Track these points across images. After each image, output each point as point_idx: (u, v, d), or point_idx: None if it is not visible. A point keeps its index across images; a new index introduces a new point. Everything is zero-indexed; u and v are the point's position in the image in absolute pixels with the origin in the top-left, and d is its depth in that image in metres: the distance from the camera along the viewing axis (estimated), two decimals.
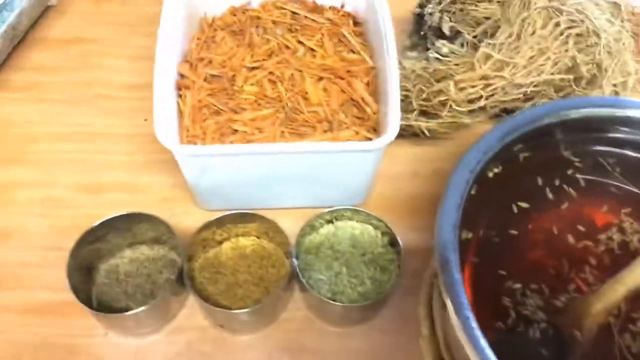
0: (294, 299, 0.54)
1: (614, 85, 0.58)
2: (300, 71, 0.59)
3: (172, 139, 0.53)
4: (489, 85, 0.56)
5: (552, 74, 0.56)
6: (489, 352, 0.37)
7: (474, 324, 0.38)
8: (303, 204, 0.58)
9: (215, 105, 0.58)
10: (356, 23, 0.67)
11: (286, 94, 0.58)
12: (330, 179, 0.55)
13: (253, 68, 0.60)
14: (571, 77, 0.57)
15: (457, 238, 0.42)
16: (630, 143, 0.53)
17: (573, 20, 0.58)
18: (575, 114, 0.51)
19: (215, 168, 0.53)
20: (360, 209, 0.55)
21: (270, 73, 0.59)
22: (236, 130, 0.56)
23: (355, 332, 0.53)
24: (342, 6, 0.69)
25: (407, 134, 0.62)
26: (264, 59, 0.60)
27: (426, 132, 0.59)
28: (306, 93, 0.58)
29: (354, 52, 0.63)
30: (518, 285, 0.45)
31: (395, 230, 0.54)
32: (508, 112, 0.61)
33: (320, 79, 0.59)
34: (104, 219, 0.52)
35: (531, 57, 0.56)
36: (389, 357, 0.52)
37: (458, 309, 0.39)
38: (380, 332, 0.53)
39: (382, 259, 0.53)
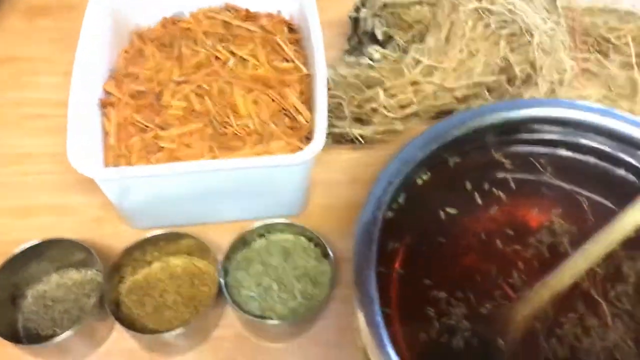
0: (226, 316, 0.53)
1: (551, 82, 0.57)
2: (230, 83, 0.58)
3: (94, 161, 0.51)
4: (420, 90, 0.55)
5: (484, 75, 0.55)
6: None
7: (387, 343, 0.37)
8: (237, 218, 0.57)
9: (141, 122, 0.56)
10: (292, 29, 0.66)
11: (214, 108, 0.56)
12: (260, 192, 0.54)
13: (180, 82, 0.58)
14: (504, 77, 0.56)
15: (374, 250, 0.41)
16: (562, 142, 0.53)
17: (504, 21, 0.57)
18: (504, 116, 0.51)
19: (138, 188, 0.51)
20: (293, 221, 0.54)
21: (198, 87, 0.58)
22: (162, 147, 0.54)
23: (290, 347, 0.52)
24: (278, 12, 0.67)
25: (344, 140, 0.61)
26: (192, 72, 0.59)
27: (360, 139, 0.58)
28: (235, 105, 0.56)
29: (287, 60, 0.62)
30: (443, 295, 0.44)
31: (334, 239, 0.53)
32: (444, 115, 0.60)
33: (251, 90, 0.58)
34: (22, 248, 0.50)
35: (461, 60, 0.55)
36: None
37: (370, 324, 0.37)
38: (317, 344, 0.52)
39: (315, 271, 0.52)
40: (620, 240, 0.43)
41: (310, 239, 0.54)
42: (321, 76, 0.53)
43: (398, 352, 0.40)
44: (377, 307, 0.38)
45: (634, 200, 0.43)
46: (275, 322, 0.48)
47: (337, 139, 0.60)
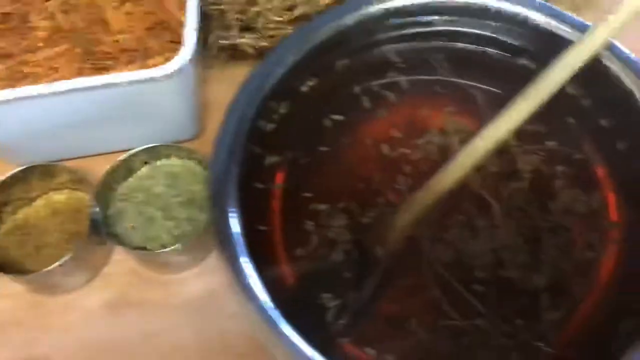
0: (118, 251, 0.50)
1: None
2: None
3: None
4: None
5: None
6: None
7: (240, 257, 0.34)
8: (125, 146, 0.53)
9: (5, 48, 0.51)
10: None
11: (83, 24, 0.51)
12: (139, 115, 0.50)
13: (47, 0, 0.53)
14: None
15: (237, 163, 0.37)
16: (461, 35, 0.48)
17: None
18: (391, 6, 0.46)
19: (4, 118, 0.47)
20: (184, 144, 0.50)
21: (65, 2, 0.52)
22: (29, 73, 0.50)
23: (186, 277, 0.49)
24: None
25: (238, 54, 0.56)
26: None
27: (250, 50, 0.53)
28: (106, 20, 0.51)
29: None
30: (324, 206, 0.41)
31: None
32: None
33: (124, 1, 0.53)
34: None
35: None
36: (220, 297, 0.48)
37: (224, 243, 0.34)
38: (212, 273, 0.49)
39: (201, 196, 0.48)
40: (509, 134, 0.39)
41: (200, 163, 0.50)
42: None
43: (271, 270, 0.38)
44: (231, 226, 0.34)
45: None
46: (161, 250, 0.45)
47: (230, 53, 0.56)
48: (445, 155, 0.42)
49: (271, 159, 0.43)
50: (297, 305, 0.37)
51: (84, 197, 0.50)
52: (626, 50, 0.41)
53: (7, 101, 0.45)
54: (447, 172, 0.39)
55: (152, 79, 0.45)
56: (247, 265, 0.33)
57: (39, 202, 0.50)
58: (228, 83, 0.58)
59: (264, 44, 0.53)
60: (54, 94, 0.44)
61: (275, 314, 0.32)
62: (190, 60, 0.46)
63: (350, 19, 0.44)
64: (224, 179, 0.37)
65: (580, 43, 0.39)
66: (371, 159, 0.43)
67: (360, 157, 0.43)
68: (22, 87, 0.48)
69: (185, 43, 0.46)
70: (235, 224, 0.35)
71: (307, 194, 0.41)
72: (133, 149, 0.50)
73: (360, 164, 0.43)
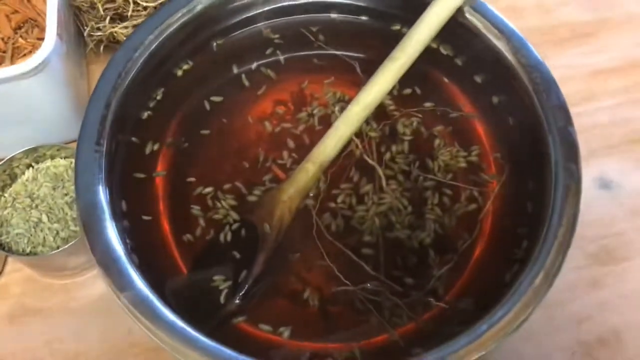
0: (11, 261, 0.48)
1: None
2: None
3: None
4: None
5: None
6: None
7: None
8: (4, 153, 0.50)
9: None
10: None
11: None
12: (12, 117, 0.47)
13: None
14: None
15: (102, 154, 0.36)
16: (334, 5, 0.49)
17: None
18: None
19: None
20: (62, 144, 0.48)
21: None
22: None
23: (85, 280, 0.48)
24: None
25: (115, 45, 0.54)
26: None
27: (124, 39, 0.52)
28: None
29: None
30: (209, 189, 0.40)
31: None
32: None
33: None
34: None
35: None
36: None
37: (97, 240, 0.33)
38: None
39: None
40: (381, 96, 0.40)
41: None
42: None
43: (162, 259, 0.37)
44: (102, 216, 0.33)
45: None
46: (46, 254, 0.43)
47: (109, 44, 0.54)
48: (327, 126, 0.42)
49: (151, 148, 0.42)
50: (191, 291, 0.37)
51: None
52: (486, 4, 0.42)
53: None
54: (326, 141, 0.40)
55: (16, 77, 0.43)
56: (120, 256, 0.33)
57: None
58: None
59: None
60: None
61: (155, 302, 0.31)
62: (54, 53, 0.44)
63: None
64: (91, 170, 0.35)
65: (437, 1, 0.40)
66: (255, 137, 0.43)
67: (243, 137, 0.43)
68: None
69: (47, 36, 0.44)
70: (104, 217, 0.34)
71: (191, 179, 0.41)
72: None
73: (244, 144, 0.43)
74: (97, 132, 0.37)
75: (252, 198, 0.40)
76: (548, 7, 0.63)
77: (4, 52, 0.48)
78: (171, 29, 0.42)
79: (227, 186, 0.41)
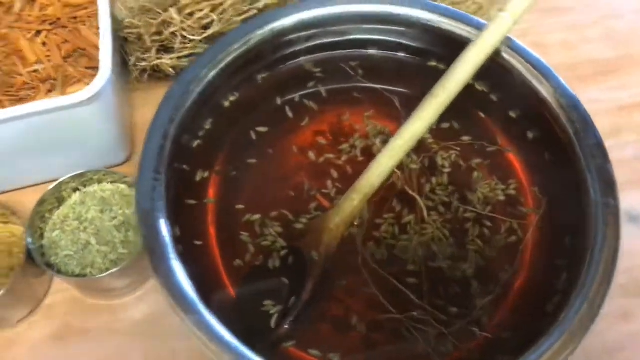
0: (57, 282, 0.49)
1: None
2: (12, 28, 0.52)
3: None
4: (217, 6, 0.51)
5: None
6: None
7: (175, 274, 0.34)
8: (53, 177, 0.52)
9: None
10: None
11: None
12: (64, 143, 0.49)
13: None
14: None
15: (163, 182, 0.38)
16: (372, 42, 0.51)
17: None
18: (301, 18, 0.48)
19: None
20: (108, 170, 0.50)
21: None
22: None
23: (130, 301, 0.49)
24: None
25: (161, 76, 0.57)
26: None
27: (170, 70, 0.54)
28: (21, 51, 0.51)
29: None
30: (257, 217, 0.42)
31: None
32: None
33: (39, 32, 0.52)
34: None
35: None
36: (166, 318, 0.48)
37: (159, 262, 0.35)
38: (157, 293, 0.49)
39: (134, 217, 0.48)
40: (423, 132, 0.42)
41: (131, 186, 0.50)
42: (101, 3, 0.48)
43: (213, 283, 0.39)
44: (164, 241, 0.35)
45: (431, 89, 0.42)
46: (98, 276, 0.45)
47: (152, 74, 0.56)
48: (369, 157, 0.44)
49: (201, 175, 0.44)
50: (241, 314, 0.39)
51: (16, 230, 0.49)
52: (522, 45, 0.44)
53: None
54: (371, 173, 0.41)
55: (72, 105, 0.45)
56: (185, 282, 0.34)
57: None
58: (154, 105, 0.59)
59: (183, 63, 0.54)
60: None
61: (216, 325, 0.33)
62: (108, 84, 0.46)
63: (263, 33, 0.46)
64: (152, 197, 0.37)
65: (476, 42, 0.42)
66: (299, 167, 0.45)
67: (288, 166, 0.45)
68: None
69: (101, 67, 0.46)
70: (165, 242, 0.36)
71: (240, 206, 0.42)
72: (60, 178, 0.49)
73: (289, 173, 0.44)
74: (156, 161, 0.38)
75: (298, 225, 0.42)
76: (571, 45, 0.65)
77: (55, 79, 0.50)
78: (223, 64, 0.44)
79: (274, 213, 0.42)
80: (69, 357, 0.47)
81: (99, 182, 0.50)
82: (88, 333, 0.48)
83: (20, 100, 0.49)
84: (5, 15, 0.53)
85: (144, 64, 0.53)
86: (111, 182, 0.50)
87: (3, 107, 0.48)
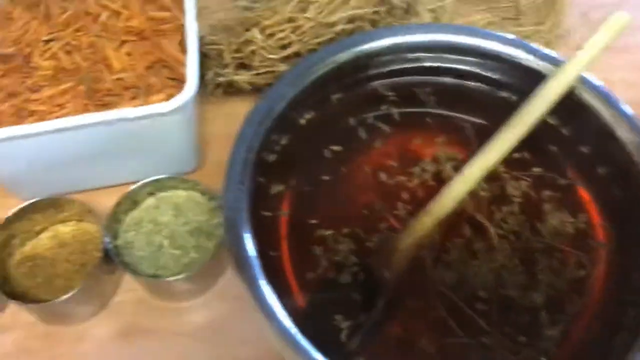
0: (126, 280, 0.51)
1: (432, 10, 0.56)
2: (100, 37, 0.54)
3: None
4: (298, 28, 0.53)
5: (360, 7, 0.53)
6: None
7: (260, 284, 0.36)
8: (126, 180, 0.55)
9: (10, 87, 0.52)
10: None
11: (85, 64, 0.53)
12: (143, 149, 0.52)
13: (48, 40, 0.55)
14: (383, 8, 0.55)
15: (247, 193, 0.40)
16: (446, 70, 0.52)
17: None
18: (381, 44, 0.50)
19: (11, 154, 0.48)
20: (186, 176, 0.52)
21: (67, 43, 0.54)
22: (35, 111, 0.51)
23: (195, 305, 0.51)
24: None
25: (235, 90, 0.59)
26: (60, 30, 0.55)
27: (246, 85, 0.56)
28: (108, 59, 0.53)
29: (164, 9, 0.59)
30: (329, 232, 0.43)
31: None
32: None
33: (124, 42, 0.55)
34: None
35: None
36: (230, 324, 0.50)
37: (242, 267, 0.36)
38: (223, 299, 0.51)
39: (208, 224, 0.50)
40: (498, 162, 0.43)
41: (203, 193, 0.52)
42: (189, 17, 0.50)
43: (287, 292, 0.40)
44: (248, 249, 0.37)
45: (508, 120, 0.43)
46: (170, 278, 0.46)
47: (226, 89, 0.58)
48: (439, 182, 0.45)
49: (276, 188, 0.45)
50: (311, 326, 0.40)
51: (91, 228, 0.52)
52: (597, 82, 0.45)
53: (15, 137, 0.47)
54: (444, 197, 0.42)
55: (157, 115, 0.47)
56: (266, 288, 0.36)
57: (46, 235, 0.52)
58: (224, 117, 0.62)
59: (258, 80, 0.56)
60: (60, 130, 0.46)
61: (296, 334, 0.34)
62: (192, 96, 0.48)
63: (344, 56, 0.48)
64: (236, 207, 0.39)
65: (555, 77, 0.43)
66: (371, 186, 0.46)
67: (360, 185, 0.46)
68: (28, 124, 0.49)
69: (188, 81, 0.48)
70: (251, 249, 0.37)
71: (313, 221, 0.44)
72: (136, 181, 0.52)
73: (360, 192, 0.46)
74: (241, 173, 0.40)
75: (369, 244, 0.43)
76: (633, 82, 0.65)
77: (138, 88, 0.53)
78: (305, 83, 0.46)
79: (346, 230, 0.43)
80: (133, 356, 0.49)
81: (173, 188, 0.52)
82: (153, 333, 0.49)
83: (105, 106, 0.51)
84: (92, 24, 0.56)
85: (221, 79, 0.56)
86: (184, 189, 0.52)
87: (88, 111, 0.51)
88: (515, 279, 0.41)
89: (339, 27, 0.54)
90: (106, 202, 0.52)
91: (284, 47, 0.54)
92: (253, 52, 0.54)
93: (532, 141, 0.47)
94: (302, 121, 0.48)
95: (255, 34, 0.52)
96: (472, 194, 0.44)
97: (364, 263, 0.42)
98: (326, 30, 0.54)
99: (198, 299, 0.51)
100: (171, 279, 0.46)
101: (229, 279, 0.52)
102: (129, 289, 0.51)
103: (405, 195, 0.45)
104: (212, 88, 0.58)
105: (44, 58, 0.54)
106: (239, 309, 0.51)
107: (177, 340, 0.49)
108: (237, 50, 0.55)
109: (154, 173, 0.53)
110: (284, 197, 0.45)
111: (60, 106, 0.52)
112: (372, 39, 0.48)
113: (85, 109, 0.51)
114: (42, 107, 0.51)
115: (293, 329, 0.34)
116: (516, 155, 0.47)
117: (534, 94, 0.44)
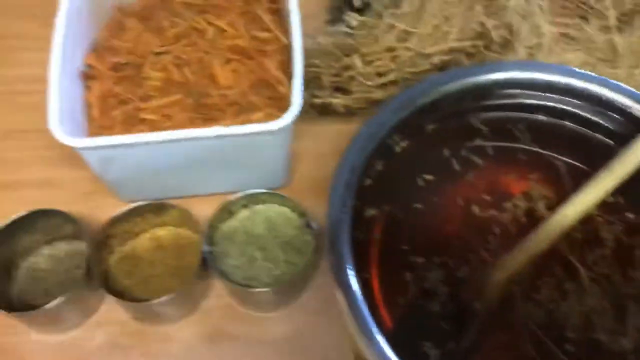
0: (215, 287, 0.54)
1: (529, 47, 0.57)
2: (209, 53, 0.58)
3: (77, 132, 0.52)
4: (396, 57, 0.55)
5: (460, 40, 0.55)
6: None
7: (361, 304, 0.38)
8: (221, 190, 0.57)
9: (122, 94, 0.56)
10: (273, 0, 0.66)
11: (193, 78, 0.56)
12: (242, 162, 0.54)
13: (160, 53, 0.58)
14: (481, 42, 0.56)
15: (349, 215, 0.42)
16: (541, 108, 0.53)
17: None
18: (478, 80, 0.51)
19: (120, 159, 0.52)
20: (277, 192, 0.54)
21: (177, 57, 0.58)
22: (144, 119, 0.55)
23: (278, 316, 0.53)
24: None
25: (328, 111, 0.61)
26: (171, 44, 0.59)
27: (341, 108, 0.58)
28: (214, 75, 0.57)
29: (267, 30, 0.62)
30: (421, 260, 0.45)
31: (318, 210, 0.53)
32: None
33: (230, 60, 0.58)
34: (12, 218, 0.51)
35: (436, 25, 0.55)
36: (311, 339, 0.52)
37: (343, 285, 0.38)
38: (304, 313, 0.53)
39: (299, 240, 0.52)
40: (595, 204, 0.43)
41: (293, 210, 0.54)
42: (296, 42, 0.53)
43: (375, 314, 0.41)
44: (349, 269, 0.38)
45: (607, 163, 0.44)
46: (261, 289, 0.49)
47: (320, 110, 0.61)
48: (531, 219, 0.46)
49: (370, 212, 0.47)
50: (400, 350, 0.41)
51: (187, 234, 0.55)
52: None
53: (129, 145, 0.50)
54: (538, 235, 0.43)
55: (262, 133, 0.49)
56: (366, 311, 0.37)
57: (145, 236, 0.55)
58: (313, 136, 0.64)
59: (353, 104, 0.58)
60: (176, 140, 0.49)
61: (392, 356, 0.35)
62: (296, 117, 0.50)
63: (448, 88, 0.49)
64: (339, 229, 0.41)
65: None
66: (462, 218, 0.47)
67: (451, 215, 0.47)
68: (138, 131, 0.53)
69: (293, 103, 0.50)
70: (352, 271, 0.39)
71: (405, 247, 0.45)
72: (229, 192, 0.54)
73: (452, 222, 0.47)
74: (343, 196, 0.42)
75: (460, 274, 0.44)
76: None
77: (241, 105, 0.55)
78: (405, 112, 0.47)
79: (437, 259, 0.45)
80: (217, 359, 0.51)
81: (266, 202, 0.54)
82: (237, 340, 0.52)
83: (209, 120, 0.54)
84: (200, 40, 0.59)
85: (317, 100, 0.58)
86: (276, 204, 0.54)
87: (194, 123, 0.54)
88: (605, 323, 0.41)
89: (435, 58, 0.55)
90: (199, 209, 0.55)
91: (380, 74, 0.56)
92: (351, 78, 0.56)
93: (627, 185, 0.47)
94: (398, 148, 0.50)
95: (356, 60, 0.54)
96: (565, 234, 0.45)
97: (453, 293, 0.43)
98: (423, 60, 0.55)
99: (282, 311, 0.53)
100: (261, 290, 0.48)
101: (312, 294, 0.54)
102: (217, 295, 0.54)
103: (496, 230, 0.46)
104: (307, 108, 0.60)
105: (155, 69, 0.57)
106: (319, 324, 0.53)
107: (259, 348, 0.51)
108: (336, 75, 0.57)
109: (246, 186, 0.56)
110: (377, 221, 0.47)
111: (168, 117, 0.55)
112: (473, 75, 0.49)
113: (192, 121, 0.54)
114: (151, 116, 0.54)
115: (390, 352, 0.36)
116: (610, 199, 0.47)
117: (636, 139, 0.44)
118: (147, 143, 0.49)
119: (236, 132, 0.49)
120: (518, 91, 0.51)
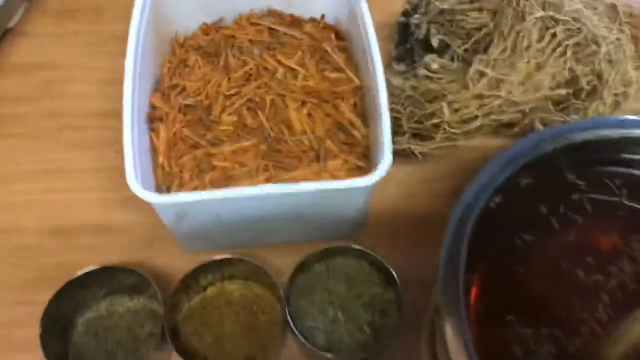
0: (286, 345, 0.51)
1: (616, 95, 0.54)
2: (282, 96, 0.55)
3: (147, 182, 0.49)
4: (485, 105, 0.53)
5: (551, 89, 0.52)
6: None
7: None
8: (293, 240, 0.54)
9: (192, 139, 0.53)
10: (339, 37, 0.63)
11: (268, 124, 0.53)
12: (320, 213, 0.51)
13: (231, 95, 0.55)
14: (570, 90, 0.54)
15: (461, 281, 0.39)
16: (638, 162, 0.50)
17: (570, 30, 0.54)
18: (578, 136, 0.48)
19: (196, 212, 0.48)
20: (354, 245, 0.51)
21: (250, 100, 0.55)
22: (216, 166, 0.52)
23: None
24: (323, 17, 0.64)
25: (400, 156, 0.58)
26: (242, 84, 0.56)
27: (419, 155, 0.55)
28: (289, 120, 0.54)
29: (338, 70, 0.59)
30: (528, 331, 0.41)
31: (393, 259, 0.50)
32: (504, 129, 0.57)
33: (304, 103, 0.55)
34: (83, 271, 0.48)
35: (528, 73, 0.52)
36: None
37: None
38: None
39: (381, 299, 0.49)
40: None
41: (371, 264, 0.51)
42: (381, 90, 0.50)
43: None
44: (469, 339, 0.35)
45: None
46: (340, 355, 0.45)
47: (395, 155, 0.58)
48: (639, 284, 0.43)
49: (466, 277, 0.44)
50: None
51: (257, 289, 0.51)
52: None
53: (207, 200, 0.47)
54: None
55: (354, 188, 0.46)
56: None
57: (212, 291, 0.52)
58: (383, 180, 0.61)
59: (435, 151, 0.55)
60: (260, 196, 0.46)
61: None
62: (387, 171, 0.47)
63: (551, 145, 0.46)
64: (452, 293, 0.38)
65: None
66: (568, 284, 0.44)
67: (556, 281, 0.44)
68: (210, 179, 0.50)
69: (384, 161, 0.47)
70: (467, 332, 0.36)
71: (510, 317, 0.42)
72: (299, 242, 0.52)
73: (557, 289, 0.44)
74: (454, 262, 0.39)
75: (571, 349, 0.41)
76: None
77: (316, 152, 0.52)
78: (508, 170, 0.44)
79: (545, 331, 0.42)
80: None
81: (343, 255, 0.51)
82: None
83: (285, 168, 0.51)
84: (271, 81, 0.56)
85: (395, 146, 0.55)
86: (353, 258, 0.51)
87: (268, 170, 0.51)
88: None
89: (522, 107, 0.53)
90: (268, 260, 0.52)
91: (465, 121, 0.53)
92: (436, 126, 0.53)
93: None
94: (493, 205, 0.47)
95: (445, 109, 0.52)
96: None
97: None
98: (510, 108, 0.52)
99: None
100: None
101: (391, 357, 0.50)
102: (290, 355, 0.51)
103: (604, 297, 0.43)
104: None
105: (227, 113, 0.54)
106: None
107: None
108: (419, 122, 0.54)
109: (320, 234, 0.53)
110: (473, 287, 0.44)
111: (241, 164, 0.52)
112: (575, 131, 0.47)
113: (266, 169, 0.52)
114: (224, 163, 0.52)
115: None
116: None
117: None
118: (234, 199, 0.46)
119: (331, 187, 0.46)
120: (617, 146, 0.49)
